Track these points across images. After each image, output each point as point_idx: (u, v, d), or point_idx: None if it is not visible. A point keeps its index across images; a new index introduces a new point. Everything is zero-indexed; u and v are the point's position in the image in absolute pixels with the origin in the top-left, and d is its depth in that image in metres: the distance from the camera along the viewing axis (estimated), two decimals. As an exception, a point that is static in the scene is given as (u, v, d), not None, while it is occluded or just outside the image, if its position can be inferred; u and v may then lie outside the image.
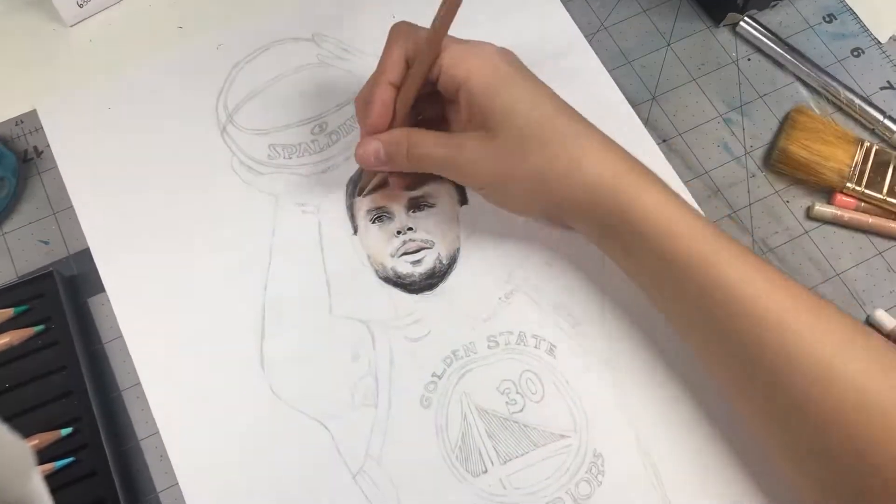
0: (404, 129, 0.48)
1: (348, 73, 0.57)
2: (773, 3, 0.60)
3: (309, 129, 0.56)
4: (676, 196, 0.45)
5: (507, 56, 0.48)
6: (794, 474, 0.43)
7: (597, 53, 0.59)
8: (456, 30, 0.46)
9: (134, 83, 0.57)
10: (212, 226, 0.52)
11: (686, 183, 0.55)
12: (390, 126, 0.48)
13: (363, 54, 0.58)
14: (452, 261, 0.52)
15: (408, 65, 0.47)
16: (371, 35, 0.58)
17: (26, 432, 0.45)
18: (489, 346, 0.50)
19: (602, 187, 0.44)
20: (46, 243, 0.52)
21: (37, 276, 0.49)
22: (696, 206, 0.54)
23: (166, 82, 0.57)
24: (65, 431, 0.46)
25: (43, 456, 0.45)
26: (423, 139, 0.48)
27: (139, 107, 0.56)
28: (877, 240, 0.54)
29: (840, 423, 0.39)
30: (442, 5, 0.45)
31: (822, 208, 0.54)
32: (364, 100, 0.49)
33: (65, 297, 0.49)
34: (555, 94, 0.48)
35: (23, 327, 0.48)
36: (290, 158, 0.55)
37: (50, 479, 0.45)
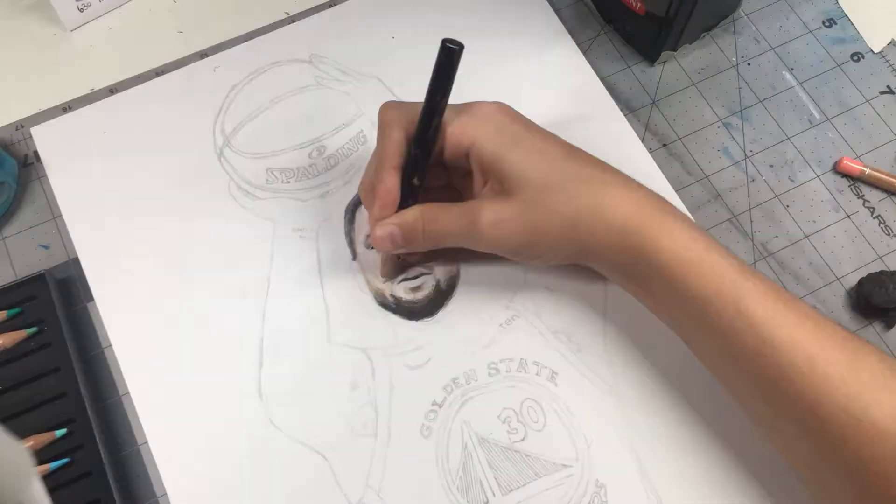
0: (416, 208, 0.46)
1: (346, 95, 0.57)
2: (702, 35, 0.60)
3: (307, 153, 0.55)
4: (703, 234, 0.44)
5: (507, 111, 0.47)
6: None
7: (597, 57, 0.59)
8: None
9: (130, 106, 0.56)
10: (209, 252, 0.52)
11: (686, 187, 0.55)
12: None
13: (361, 76, 0.57)
14: (452, 286, 0.51)
15: (408, 143, 0.46)
16: (369, 56, 0.58)
17: (21, 434, 0.45)
18: (490, 374, 0.49)
19: (627, 228, 0.43)
20: (46, 248, 0.52)
21: (29, 279, 0.50)
22: (686, 212, 0.54)
23: (163, 105, 0.56)
24: (59, 433, 0.46)
25: (38, 457, 0.45)
26: (438, 214, 0.46)
27: (135, 130, 0.55)
28: (877, 244, 0.54)
29: (877, 472, 0.38)
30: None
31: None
32: (369, 187, 0.47)
33: (58, 299, 0.50)
34: (561, 139, 0.47)
35: (16, 329, 0.48)
36: (289, 182, 0.54)
37: (45, 480, 0.45)
